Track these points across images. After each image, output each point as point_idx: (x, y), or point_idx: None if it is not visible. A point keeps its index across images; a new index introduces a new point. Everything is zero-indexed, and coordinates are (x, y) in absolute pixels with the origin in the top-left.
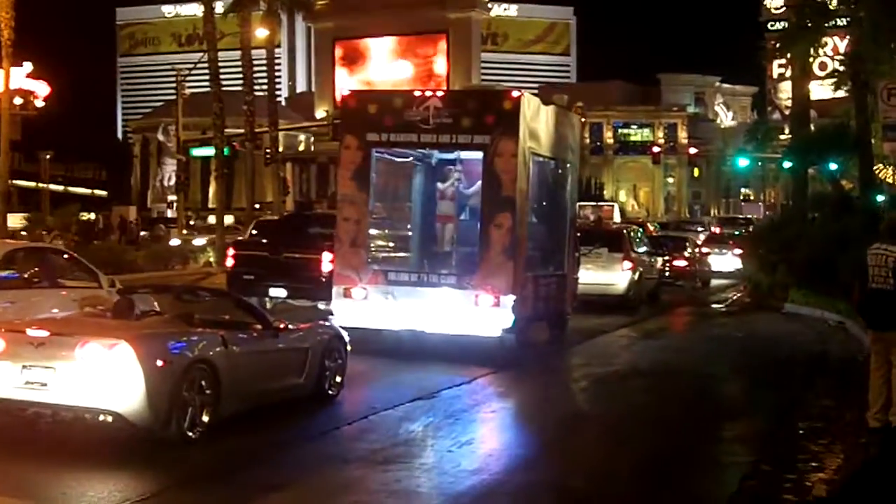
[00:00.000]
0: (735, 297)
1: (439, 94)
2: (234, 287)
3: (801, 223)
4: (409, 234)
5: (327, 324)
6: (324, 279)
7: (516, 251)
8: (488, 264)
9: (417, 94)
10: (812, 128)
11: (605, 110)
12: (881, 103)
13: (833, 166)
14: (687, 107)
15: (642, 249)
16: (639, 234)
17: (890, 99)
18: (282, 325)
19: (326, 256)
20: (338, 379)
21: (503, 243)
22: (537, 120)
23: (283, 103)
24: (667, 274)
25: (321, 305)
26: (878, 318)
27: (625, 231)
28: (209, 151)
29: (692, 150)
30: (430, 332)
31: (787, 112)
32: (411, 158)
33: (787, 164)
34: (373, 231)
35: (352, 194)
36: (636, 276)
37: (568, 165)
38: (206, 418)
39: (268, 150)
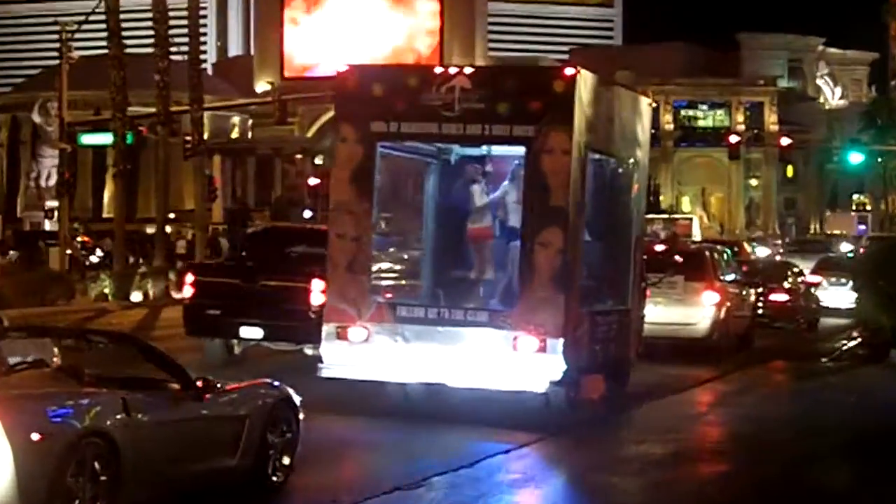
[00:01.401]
0: (847, 346)
1: (467, 70)
2: (193, 325)
3: None
4: (424, 255)
5: (273, 383)
6: (313, 315)
7: (568, 279)
8: (531, 296)
9: (438, 70)
10: None
11: (663, 84)
12: None
13: None
14: (778, 80)
15: (730, 278)
16: (724, 258)
17: None
18: (206, 384)
19: (317, 285)
20: (285, 460)
21: (551, 269)
22: (597, 106)
23: (210, 71)
24: (760, 312)
25: (308, 350)
26: None
27: (707, 253)
28: (105, 139)
29: (784, 141)
30: (452, 387)
31: None
32: (423, 155)
33: None
34: (377, 251)
35: (349, 202)
36: (722, 314)
37: (633, 166)
38: None
39: (188, 138)
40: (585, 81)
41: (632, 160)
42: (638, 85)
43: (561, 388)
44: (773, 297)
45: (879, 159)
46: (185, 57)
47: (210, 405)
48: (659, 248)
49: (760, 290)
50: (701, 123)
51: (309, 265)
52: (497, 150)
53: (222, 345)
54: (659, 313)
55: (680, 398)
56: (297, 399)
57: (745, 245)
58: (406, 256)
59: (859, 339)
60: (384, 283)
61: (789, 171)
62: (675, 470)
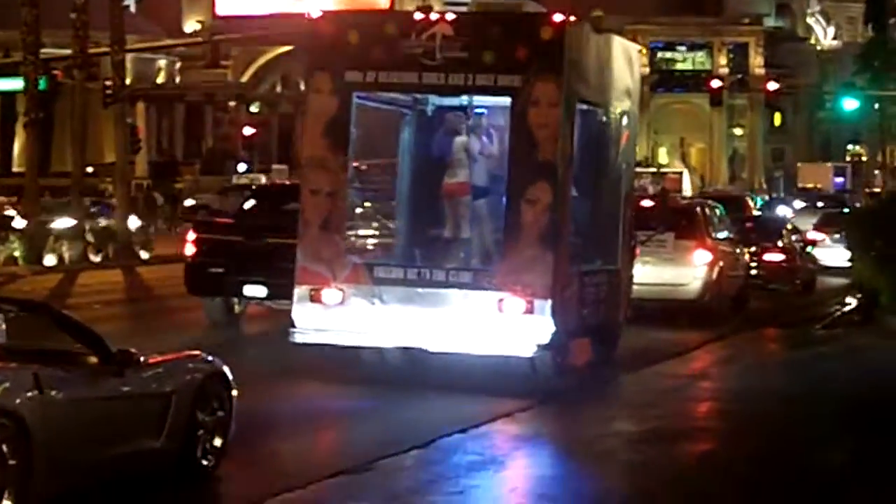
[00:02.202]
0: (841, 312)
1: (449, 17)
2: (194, 284)
3: None
4: (401, 213)
5: (203, 356)
6: None
7: (557, 237)
8: (518, 255)
9: (419, 16)
10: None
11: (637, 24)
12: None
13: None
14: (764, 18)
15: (723, 235)
16: (717, 214)
17: None
18: (127, 357)
19: None
20: (217, 442)
21: (539, 226)
22: (585, 54)
23: (133, 9)
24: (754, 272)
25: None
26: None
27: (699, 209)
28: (15, 84)
29: (772, 86)
30: (433, 352)
31: None
32: (399, 105)
33: None
34: (353, 208)
35: (323, 156)
36: (714, 274)
37: (623, 117)
38: None
39: (108, 83)
40: (575, 28)
41: (622, 111)
42: (608, 24)
43: (548, 353)
44: (768, 256)
45: (876, 106)
46: None
47: (132, 381)
48: (646, 203)
49: (754, 249)
50: (679, 66)
51: None
52: (480, 100)
53: (222, 304)
54: (648, 273)
55: (667, 367)
56: (229, 373)
57: (748, 200)
58: (386, 214)
59: (854, 304)
60: (361, 242)
61: (777, 119)
62: (649, 450)
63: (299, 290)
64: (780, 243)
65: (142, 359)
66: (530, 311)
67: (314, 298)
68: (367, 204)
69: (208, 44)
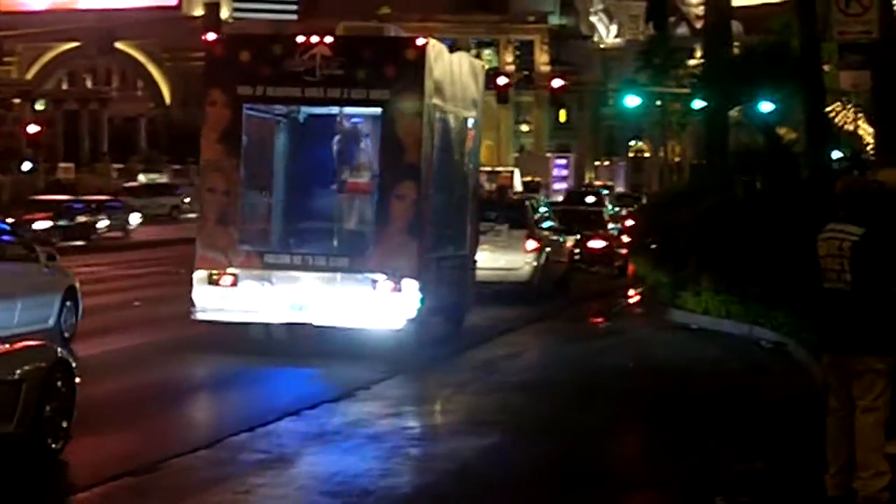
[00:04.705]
0: (623, 305)
1: (328, 40)
2: None
3: (719, 192)
4: (284, 206)
5: (47, 346)
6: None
7: (421, 228)
8: (387, 243)
9: (301, 39)
10: (736, 49)
11: (425, 21)
12: (836, 12)
13: (766, 106)
14: (549, 16)
15: (548, 225)
16: (541, 207)
17: (849, 6)
18: None
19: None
20: (63, 424)
21: (406, 218)
22: (441, 70)
23: None
24: (577, 257)
25: None
26: (830, 334)
27: (527, 203)
28: None
29: (556, 83)
30: (317, 326)
31: (698, 25)
32: (275, 114)
33: (698, 104)
34: (245, 204)
35: (219, 160)
36: (542, 260)
37: (470, 123)
38: None
39: None
40: (434, 49)
41: (469, 118)
42: (398, 22)
43: (413, 327)
44: (591, 244)
45: (659, 102)
46: None
47: None
48: (486, 197)
49: (578, 237)
50: None
51: None
52: (347, 110)
53: None
54: (486, 259)
55: (490, 347)
56: (72, 361)
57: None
58: (274, 209)
59: (637, 297)
60: (253, 233)
61: (562, 115)
62: (442, 443)
63: (198, 274)
64: (602, 230)
65: None
66: (398, 290)
67: (212, 281)
68: (256, 199)
69: None
